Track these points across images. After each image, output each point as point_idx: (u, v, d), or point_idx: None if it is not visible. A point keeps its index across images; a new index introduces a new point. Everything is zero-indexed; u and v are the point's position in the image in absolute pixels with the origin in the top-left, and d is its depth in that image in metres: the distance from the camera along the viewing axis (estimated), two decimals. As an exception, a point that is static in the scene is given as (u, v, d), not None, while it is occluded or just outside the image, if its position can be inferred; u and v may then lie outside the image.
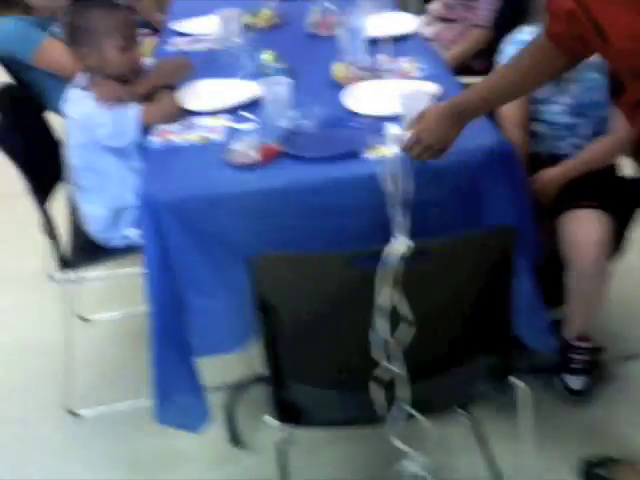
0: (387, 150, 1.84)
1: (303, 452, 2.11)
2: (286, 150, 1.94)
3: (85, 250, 2.38)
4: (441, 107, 1.82)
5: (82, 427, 2.40)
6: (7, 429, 2.43)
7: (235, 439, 2.26)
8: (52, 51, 2.89)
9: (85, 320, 2.83)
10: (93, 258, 2.37)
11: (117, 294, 2.89)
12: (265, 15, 2.89)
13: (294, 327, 1.53)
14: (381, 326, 1.44)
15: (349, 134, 1.93)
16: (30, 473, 2.26)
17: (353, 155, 1.90)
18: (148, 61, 2.39)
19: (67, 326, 2.41)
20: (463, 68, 3.09)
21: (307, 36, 2.75)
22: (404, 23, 2.75)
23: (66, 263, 2.33)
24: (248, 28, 2.79)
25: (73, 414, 2.42)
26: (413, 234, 1.47)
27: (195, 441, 2.15)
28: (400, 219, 1.41)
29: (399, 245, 1.38)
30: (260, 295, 1.49)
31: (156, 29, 3.47)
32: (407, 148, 1.79)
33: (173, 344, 1.95)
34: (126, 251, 2.32)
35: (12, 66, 2.95)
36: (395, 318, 1.44)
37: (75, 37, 2.22)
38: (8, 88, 2.46)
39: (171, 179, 1.94)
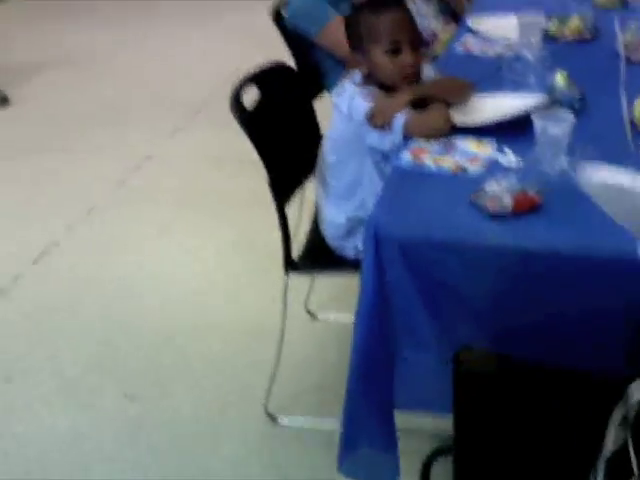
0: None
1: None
2: (546, 203, 1.62)
3: (317, 254, 2.24)
4: None
5: (277, 434, 2.27)
6: (203, 413, 2.37)
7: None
8: (337, 31, 2.75)
9: (313, 317, 2.71)
10: (322, 265, 2.23)
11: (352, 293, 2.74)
12: (573, 24, 2.52)
13: (492, 439, 1.25)
14: (601, 475, 1.12)
15: (634, 204, 1.53)
16: (209, 464, 2.19)
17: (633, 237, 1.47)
18: (427, 71, 2.15)
19: (285, 321, 2.26)
20: None
21: (616, 57, 2.34)
22: None
23: (293, 265, 2.19)
24: (550, 37, 2.45)
25: (272, 418, 2.31)
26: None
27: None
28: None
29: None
30: (460, 391, 1.23)
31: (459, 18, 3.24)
32: None
33: (373, 390, 1.75)
34: (357, 264, 2.13)
35: (297, 42, 2.86)
36: (619, 469, 1.12)
37: (352, 43, 2.10)
38: (277, 68, 2.33)
39: (407, 210, 1.70)
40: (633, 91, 2.03)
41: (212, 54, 5.40)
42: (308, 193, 2.40)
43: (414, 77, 2.06)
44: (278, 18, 2.89)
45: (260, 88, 2.20)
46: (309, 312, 2.71)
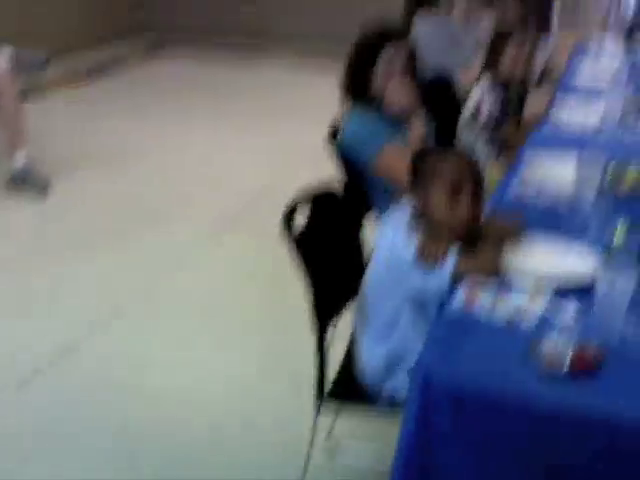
0: None
1: None
2: (605, 364, 1.52)
3: (349, 388, 2.13)
4: None
5: None
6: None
7: None
8: (390, 157, 2.73)
9: (332, 454, 2.54)
10: (353, 401, 2.12)
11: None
12: (631, 176, 2.45)
13: None
14: None
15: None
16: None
17: None
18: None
19: (308, 462, 2.16)
20: None
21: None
22: None
23: (323, 396, 2.09)
24: (608, 186, 2.39)
25: None
26: None
27: None
28: None
29: None
30: None
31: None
32: None
33: None
34: (391, 406, 2.03)
35: (351, 162, 2.83)
36: None
37: (412, 179, 2.06)
38: (327, 191, 2.30)
39: (459, 357, 1.62)
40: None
41: (250, 165, 5.34)
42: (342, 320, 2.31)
43: (468, 232, 1.99)
44: (332, 139, 2.86)
45: (310, 210, 2.17)
46: (328, 449, 2.54)
